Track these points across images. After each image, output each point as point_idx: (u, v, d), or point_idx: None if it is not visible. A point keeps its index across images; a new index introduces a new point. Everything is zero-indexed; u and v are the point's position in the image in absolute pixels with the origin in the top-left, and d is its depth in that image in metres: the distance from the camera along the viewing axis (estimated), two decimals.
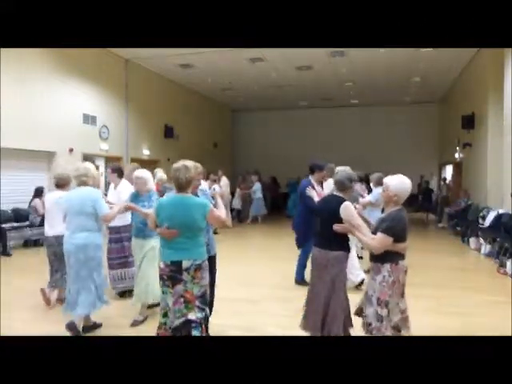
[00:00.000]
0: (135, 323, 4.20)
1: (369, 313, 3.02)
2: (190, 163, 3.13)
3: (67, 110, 9.61)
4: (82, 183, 3.87)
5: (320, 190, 5.46)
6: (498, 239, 7.40)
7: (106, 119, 10.98)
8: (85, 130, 10.19)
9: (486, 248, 7.94)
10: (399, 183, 3.01)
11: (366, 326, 3.05)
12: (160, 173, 7.37)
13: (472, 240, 8.71)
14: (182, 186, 3.06)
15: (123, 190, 5.00)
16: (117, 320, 4.29)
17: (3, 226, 7.80)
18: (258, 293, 5.25)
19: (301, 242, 5.67)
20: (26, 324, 4.20)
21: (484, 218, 8.57)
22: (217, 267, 3.77)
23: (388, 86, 14.37)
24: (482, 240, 8.24)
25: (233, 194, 13.35)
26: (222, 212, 3.24)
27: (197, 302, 3.03)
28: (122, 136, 11.76)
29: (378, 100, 16.90)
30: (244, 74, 13.03)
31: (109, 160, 11.14)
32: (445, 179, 15.01)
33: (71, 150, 9.69)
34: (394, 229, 2.94)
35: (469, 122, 10.81)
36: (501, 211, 7.97)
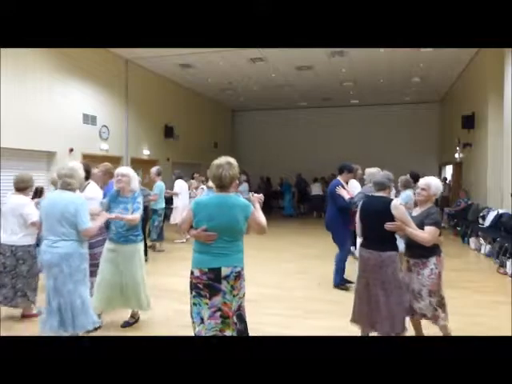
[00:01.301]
0: (127, 324, 4.12)
1: (422, 306, 3.40)
2: (232, 159, 2.86)
3: (67, 110, 9.61)
4: (66, 186, 3.35)
5: (348, 188, 5.58)
6: (498, 239, 7.40)
7: (106, 119, 10.98)
8: (85, 130, 10.19)
9: (485, 248, 7.94)
10: (438, 183, 3.52)
11: (420, 316, 3.47)
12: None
13: (472, 240, 8.72)
14: (225, 184, 2.79)
15: (92, 195, 4.27)
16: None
17: None
18: (258, 293, 5.25)
19: (338, 240, 5.60)
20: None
21: (484, 218, 8.57)
22: None
23: (388, 85, 14.36)
24: (482, 240, 8.24)
25: None
26: (262, 217, 2.93)
27: (234, 318, 2.77)
28: (122, 136, 11.76)
29: (378, 100, 16.89)
30: (244, 74, 13.02)
31: (109, 160, 11.13)
32: (445, 179, 15.01)
33: (71, 150, 9.68)
34: (440, 221, 3.45)
35: (469, 121, 10.81)
36: (501, 211, 7.97)
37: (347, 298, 5.17)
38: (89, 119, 10.33)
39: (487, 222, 8.24)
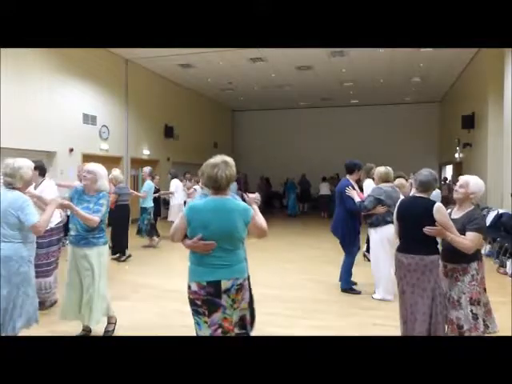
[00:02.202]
0: (109, 333, 3.87)
1: (459, 315, 3.11)
2: (229, 158, 2.60)
3: (67, 110, 9.61)
4: (7, 185, 3.14)
5: (358, 189, 5.40)
6: (498, 239, 7.40)
7: (106, 119, 10.99)
8: (85, 130, 10.19)
9: (485, 248, 7.94)
10: (478, 182, 3.19)
11: (457, 329, 3.13)
12: (116, 172, 7.32)
13: None
14: (222, 185, 2.51)
15: (45, 189, 4.24)
16: None
17: None
18: (258, 292, 5.24)
19: (346, 245, 5.39)
20: None
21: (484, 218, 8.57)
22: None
23: (388, 85, 14.37)
24: None
25: None
26: (262, 220, 2.68)
27: (236, 330, 2.57)
28: (122, 136, 11.76)
29: (378, 100, 16.90)
30: (244, 74, 13.02)
31: (109, 160, 11.14)
32: (445, 179, 15.01)
33: (71, 150, 9.69)
34: (484, 226, 3.18)
35: (469, 121, 10.81)
36: (501, 211, 7.97)
37: (347, 298, 5.19)
38: (89, 119, 10.33)
39: (487, 222, 8.24)
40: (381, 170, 5.21)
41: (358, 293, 5.34)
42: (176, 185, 9.56)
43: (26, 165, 3.20)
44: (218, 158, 2.56)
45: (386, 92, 15.42)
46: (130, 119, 12.01)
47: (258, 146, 19.27)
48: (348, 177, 5.44)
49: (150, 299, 5.09)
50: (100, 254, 3.67)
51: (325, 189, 14.96)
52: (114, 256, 7.18)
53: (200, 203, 2.57)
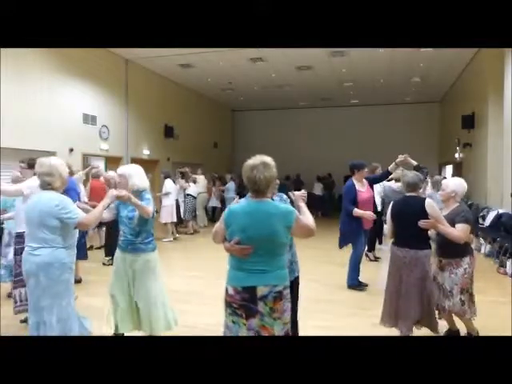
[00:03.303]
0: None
1: (451, 304, 3.58)
2: (269, 159, 2.45)
3: (67, 110, 9.61)
4: (45, 185, 2.96)
5: (362, 189, 5.51)
6: (498, 239, 7.40)
7: (106, 119, 10.98)
8: (85, 130, 10.19)
9: (486, 248, 7.94)
10: (456, 182, 3.72)
11: (448, 314, 3.67)
12: (111, 173, 7.15)
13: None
14: (261, 188, 2.39)
15: (29, 184, 4.06)
16: None
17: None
18: None
19: (353, 241, 5.50)
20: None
21: (484, 218, 8.56)
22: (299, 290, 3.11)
23: (388, 85, 14.36)
24: (481, 240, 8.24)
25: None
26: (309, 219, 2.56)
27: None
28: (122, 136, 11.76)
29: (378, 100, 16.89)
30: (244, 74, 13.02)
31: (109, 160, 11.15)
32: (445, 179, 15.02)
33: (71, 150, 9.69)
34: (470, 218, 3.56)
35: (469, 121, 10.80)
36: (501, 211, 7.97)
37: (347, 298, 5.19)
38: (89, 119, 10.33)
39: (487, 222, 8.23)
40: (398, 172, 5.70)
41: (366, 285, 5.50)
42: (169, 185, 9.54)
43: (62, 163, 3.06)
44: (257, 159, 2.42)
45: (386, 92, 15.41)
46: (130, 119, 12.01)
47: (258, 145, 19.20)
48: (352, 177, 5.57)
49: None
50: (147, 260, 3.44)
51: (318, 189, 14.98)
52: (108, 258, 6.74)
53: (238, 206, 2.48)
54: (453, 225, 3.48)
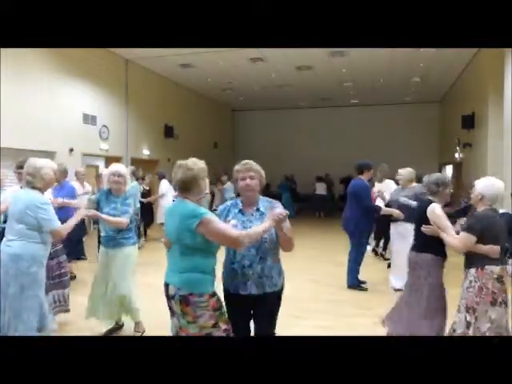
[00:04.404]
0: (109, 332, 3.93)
1: (457, 320, 3.07)
2: (198, 161, 2.48)
3: (67, 110, 9.61)
4: (28, 183, 3.13)
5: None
6: None
7: (106, 119, 10.98)
8: (85, 130, 10.19)
9: None
10: (485, 183, 3.22)
11: (451, 333, 3.12)
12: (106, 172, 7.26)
13: None
14: (180, 187, 2.43)
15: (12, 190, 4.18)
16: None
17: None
18: None
19: (356, 241, 5.54)
20: None
21: None
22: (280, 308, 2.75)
23: (388, 86, 14.36)
24: None
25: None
26: (254, 233, 2.36)
27: None
28: (122, 136, 11.76)
29: (378, 100, 16.89)
30: (244, 73, 13.02)
31: (109, 160, 11.15)
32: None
33: (71, 150, 9.69)
34: (476, 227, 3.01)
35: (469, 121, 10.80)
36: (501, 211, 7.96)
37: (347, 298, 5.19)
38: (89, 119, 10.33)
39: None
40: (403, 171, 5.55)
41: (365, 289, 5.46)
42: (165, 185, 9.44)
43: (48, 165, 3.18)
44: (188, 161, 2.46)
45: (386, 92, 15.41)
46: (130, 119, 12.01)
47: (258, 145, 19.26)
48: (360, 176, 5.61)
49: (148, 299, 5.07)
50: (128, 254, 3.72)
51: (321, 189, 14.97)
52: None
53: (170, 205, 2.71)
54: None
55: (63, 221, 3.23)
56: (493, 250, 2.98)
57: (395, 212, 5.23)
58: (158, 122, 13.36)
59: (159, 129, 13.48)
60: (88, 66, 10.15)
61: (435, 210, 3.32)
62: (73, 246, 5.99)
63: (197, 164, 2.44)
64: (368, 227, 5.57)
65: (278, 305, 2.71)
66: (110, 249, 3.67)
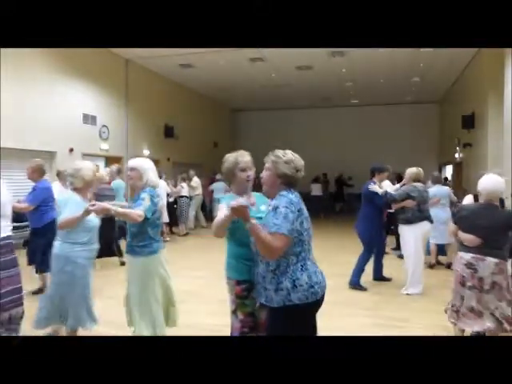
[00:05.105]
0: None
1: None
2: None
3: (67, 110, 9.61)
4: (70, 184, 3.41)
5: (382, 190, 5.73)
6: None
7: (106, 119, 10.98)
8: (85, 130, 10.19)
9: None
10: (484, 182, 3.41)
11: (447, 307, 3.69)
12: (102, 171, 7.06)
13: None
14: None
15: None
16: None
17: None
18: None
19: (367, 241, 5.68)
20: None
21: None
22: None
23: (388, 85, 14.36)
24: None
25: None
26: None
27: None
28: (122, 136, 11.76)
29: (378, 100, 16.89)
30: (244, 73, 13.02)
31: (109, 160, 11.15)
32: (446, 179, 15.01)
33: (71, 150, 9.69)
34: (456, 216, 3.54)
35: (469, 121, 10.80)
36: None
37: (347, 298, 5.19)
38: (89, 119, 10.33)
39: None
40: (412, 170, 5.63)
41: (365, 289, 5.55)
42: (160, 185, 9.36)
43: (87, 167, 3.40)
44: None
45: (386, 92, 15.41)
46: (129, 119, 12.01)
47: (257, 145, 19.11)
48: (373, 179, 5.81)
49: None
50: (141, 265, 3.24)
51: (316, 189, 14.98)
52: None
53: None
54: None
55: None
56: (466, 238, 3.35)
57: (407, 203, 5.35)
58: (158, 121, 13.35)
59: (159, 129, 13.48)
60: (88, 66, 10.15)
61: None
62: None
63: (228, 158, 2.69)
64: (378, 228, 5.67)
65: (281, 325, 2.27)
66: (128, 255, 3.33)
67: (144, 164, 3.31)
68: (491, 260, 3.26)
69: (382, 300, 5.15)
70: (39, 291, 5.03)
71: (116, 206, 3.33)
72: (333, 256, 7.06)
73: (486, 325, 3.24)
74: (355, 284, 5.58)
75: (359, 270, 5.61)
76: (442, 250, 7.02)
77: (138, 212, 3.07)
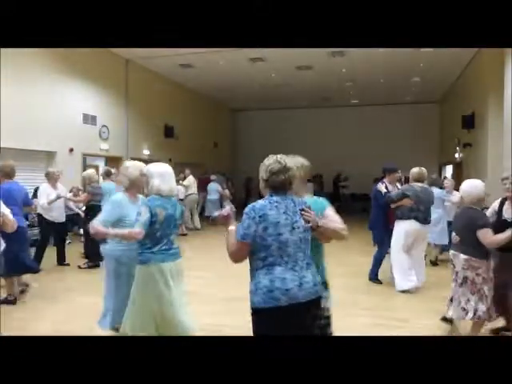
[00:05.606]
0: None
1: None
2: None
3: (67, 110, 9.61)
4: (120, 183, 3.74)
5: (393, 191, 5.86)
6: None
7: (106, 119, 10.99)
8: (85, 130, 10.20)
9: None
10: (463, 187, 3.76)
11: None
12: (90, 171, 7.05)
13: None
14: None
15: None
16: None
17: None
18: None
19: (379, 240, 5.94)
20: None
21: None
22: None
23: (388, 85, 14.37)
24: None
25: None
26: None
27: None
28: (122, 136, 11.77)
29: (378, 100, 16.90)
30: (244, 73, 13.03)
31: (109, 160, 11.16)
32: (445, 178, 15.02)
33: (71, 150, 9.69)
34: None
35: (469, 121, 10.80)
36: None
37: (347, 299, 5.18)
38: (89, 119, 10.33)
39: None
40: (414, 170, 5.70)
41: (380, 283, 5.89)
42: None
43: (134, 166, 3.38)
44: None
45: (386, 92, 15.42)
46: (129, 119, 12.01)
47: (257, 145, 19.25)
48: (384, 180, 5.99)
49: None
50: (138, 270, 3.08)
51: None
52: (88, 264, 6.52)
53: None
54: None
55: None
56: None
57: (404, 201, 5.45)
58: (158, 122, 13.36)
59: (159, 129, 13.49)
60: (88, 66, 10.15)
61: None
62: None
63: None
64: (387, 226, 5.79)
65: (255, 328, 2.30)
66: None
67: (150, 168, 3.15)
68: (462, 256, 3.65)
69: (382, 300, 5.15)
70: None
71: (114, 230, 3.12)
72: (332, 256, 7.04)
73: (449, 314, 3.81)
74: (372, 279, 5.93)
75: (375, 266, 5.92)
76: (444, 249, 7.07)
77: (136, 231, 2.93)
